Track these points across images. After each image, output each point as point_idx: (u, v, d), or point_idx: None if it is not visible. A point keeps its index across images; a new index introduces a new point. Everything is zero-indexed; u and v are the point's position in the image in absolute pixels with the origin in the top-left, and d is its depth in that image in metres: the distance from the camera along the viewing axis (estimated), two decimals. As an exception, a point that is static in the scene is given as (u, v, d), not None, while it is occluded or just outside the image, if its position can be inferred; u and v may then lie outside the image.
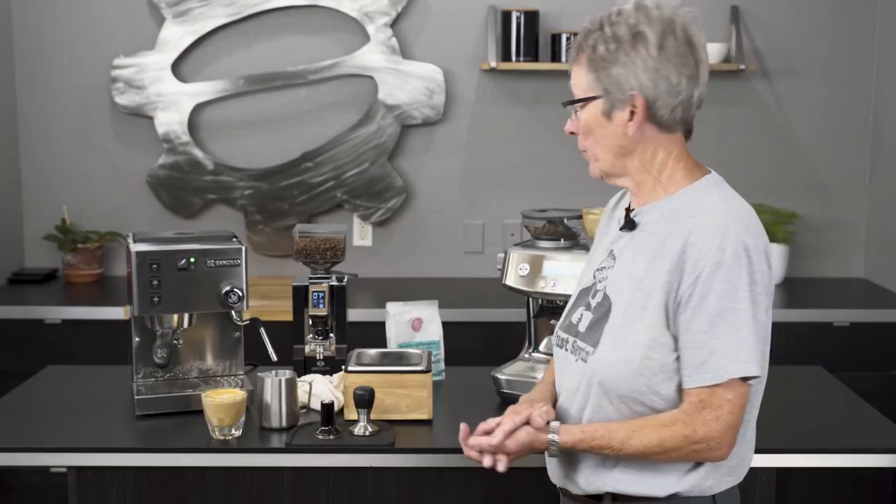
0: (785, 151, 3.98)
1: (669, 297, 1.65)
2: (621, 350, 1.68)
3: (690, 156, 1.75)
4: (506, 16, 3.79)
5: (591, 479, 1.76)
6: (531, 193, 3.95)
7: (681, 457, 1.66)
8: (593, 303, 1.77)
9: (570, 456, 1.78)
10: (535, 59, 3.80)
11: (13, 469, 3.27)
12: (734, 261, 1.61)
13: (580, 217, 2.46)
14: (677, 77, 1.65)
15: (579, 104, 1.73)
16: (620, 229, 1.78)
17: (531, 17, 3.78)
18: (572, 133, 1.78)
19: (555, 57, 3.80)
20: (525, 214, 2.52)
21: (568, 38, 3.76)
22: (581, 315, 1.79)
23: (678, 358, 1.66)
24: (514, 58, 3.79)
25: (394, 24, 3.87)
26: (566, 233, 2.47)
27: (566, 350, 1.80)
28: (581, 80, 1.72)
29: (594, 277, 1.80)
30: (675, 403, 1.68)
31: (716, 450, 1.65)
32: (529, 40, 3.78)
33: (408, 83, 3.88)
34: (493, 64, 3.76)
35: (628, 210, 1.79)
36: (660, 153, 1.72)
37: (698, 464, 1.70)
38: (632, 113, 1.67)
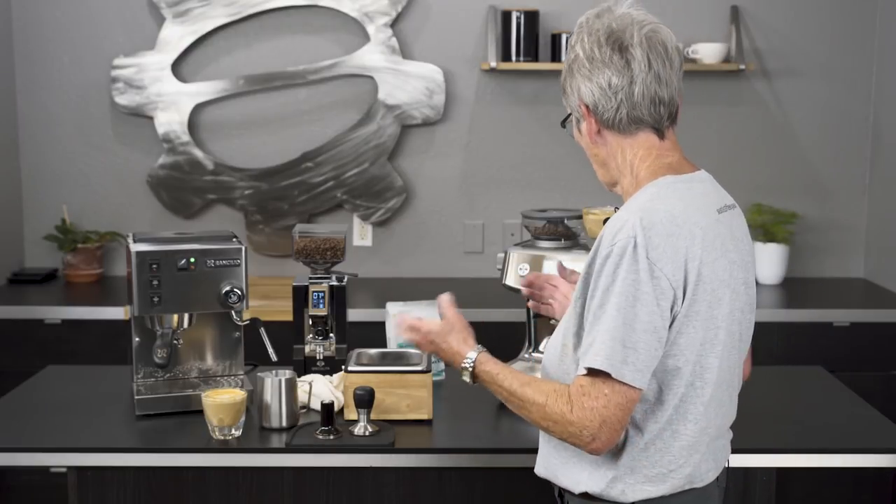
0: (785, 151, 3.98)
1: (587, 290, 1.69)
2: (554, 338, 1.80)
3: (665, 156, 1.75)
4: (506, 16, 3.80)
5: (539, 461, 1.84)
6: (531, 193, 3.95)
7: (557, 434, 1.67)
8: None
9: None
10: (535, 59, 3.80)
11: (13, 469, 3.27)
12: (619, 255, 1.62)
13: (580, 217, 2.46)
14: (608, 79, 1.72)
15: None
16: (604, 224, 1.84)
17: (531, 17, 3.78)
18: None
19: (555, 57, 3.80)
20: (525, 214, 2.53)
21: (568, 39, 3.75)
22: None
23: None
24: (514, 58, 3.79)
25: (394, 24, 3.87)
26: (566, 233, 2.47)
27: None
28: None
29: None
30: None
31: (588, 441, 1.63)
32: (529, 40, 3.78)
33: (408, 83, 3.88)
34: (493, 64, 3.76)
35: (616, 208, 1.84)
36: (627, 155, 1.77)
37: (600, 464, 1.71)
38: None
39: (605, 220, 2.33)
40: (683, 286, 1.64)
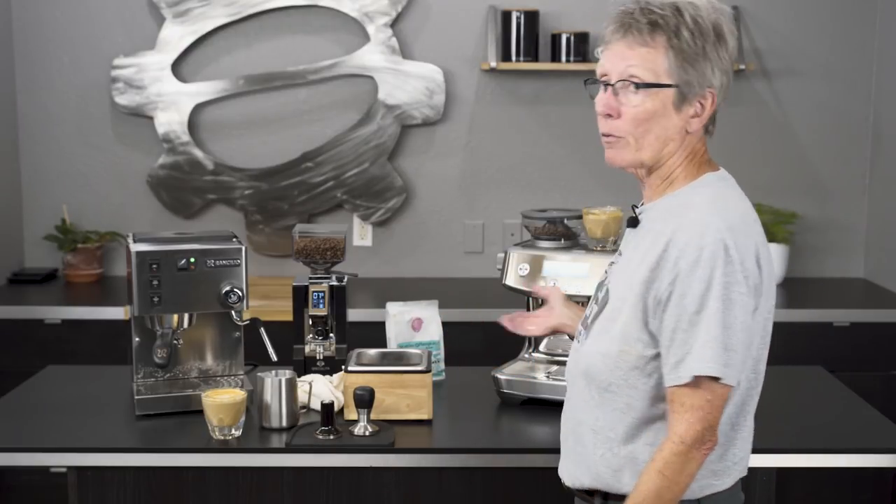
0: (785, 151, 3.98)
1: (650, 295, 1.65)
2: (601, 342, 1.72)
3: (706, 154, 1.75)
4: (506, 16, 3.79)
5: (577, 472, 1.78)
6: (531, 193, 3.95)
7: (691, 471, 1.63)
8: (600, 296, 1.79)
9: (563, 447, 1.81)
10: (535, 59, 3.79)
11: (13, 469, 3.27)
12: (711, 260, 1.59)
13: (580, 217, 2.45)
14: (729, 80, 1.69)
15: (643, 86, 1.65)
16: (627, 226, 1.79)
17: (531, 17, 3.78)
18: (608, 115, 1.70)
19: (555, 57, 3.79)
20: (525, 214, 2.52)
21: (568, 39, 3.75)
22: (592, 308, 1.81)
23: (657, 355, 1.66)
24: (514, 58, 3.79)
25: (394, 24, 3.87)
26: (566, 233, 2.47)
27: (578, 342, 1.82)
28: (658, 64, 1.65)
29: (606, 272, 1.83)
30: (649, 400, 1.68)
31: (708, 443, 1.63)
32: (529, 40, 3.78)
33: (408, 83, 3.88)
34: (493, 64, 3.76)
35: (635, 207, 1.79)
36: (687, 150, 1.72)
37: None
38: (700, 107, 1.68)
39: (607, 219, 2.35)
40: (759, 282, 1.65)
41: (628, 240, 1.79)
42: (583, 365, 1.74)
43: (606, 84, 1.69)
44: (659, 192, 1.74)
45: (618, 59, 1.67)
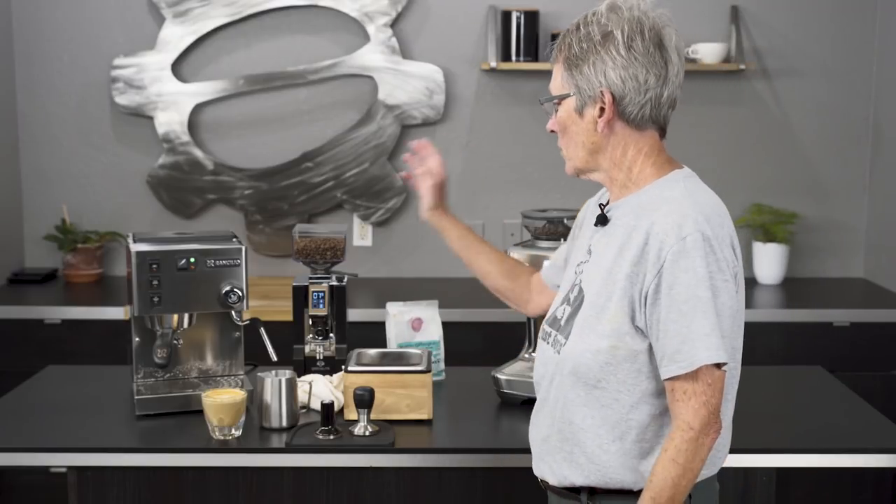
0: (785, 151, 3.98)
1: (634, 289, 1.68)
2: (588, 340, 1.72)
3: (663, 153, 1.78)
4: (506, 16, 3.80)
5: (562, 472, 1.79)
6: (531, 193, 3.95)
7: (703, 457, 1.66)
8: (571, 297, 1.80)
9: (543, 446, 1.82)
10: (535, 59, 3.80)
11: (13, 469, 3.27)
12: (694, 249, 1.63)
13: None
14: (645, 76, 1.70)
15: (556, 103, 1.79)
16: (595, 224, 1.82)
17: (531, 17, 3.78)
18: (552, 131, 1.84)
19: (555, 57, 3.80)
20: (525, 214, 2.53)
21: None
22: (564, 310, 1.82)
23: (649, 348, 1.69)
24: (514, 58, 3.79)
25: (394, 24, 3.87)
26: (566, 233, 2.46)
27: (548, 343, 1.83)
28: (556, 79, 1.78)
29: (575, 273, 1.83)
30: (640, 394, 1.70)
31: (714, 426, 1.66)
32: (529, 40, 3.78)
33: (408, 83, 3.88)
34: (493, 64, 3.76)
35: (602, 206, 1.83)
36: (630, 150, 1.76)
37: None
38: (601, 110, 1.73)
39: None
40: (737, 270, 1.69)
41: (597, 239, 1.80)
42: (569, 364, 1.74)
43: None
44: (624, 192, 1.78)
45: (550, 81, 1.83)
